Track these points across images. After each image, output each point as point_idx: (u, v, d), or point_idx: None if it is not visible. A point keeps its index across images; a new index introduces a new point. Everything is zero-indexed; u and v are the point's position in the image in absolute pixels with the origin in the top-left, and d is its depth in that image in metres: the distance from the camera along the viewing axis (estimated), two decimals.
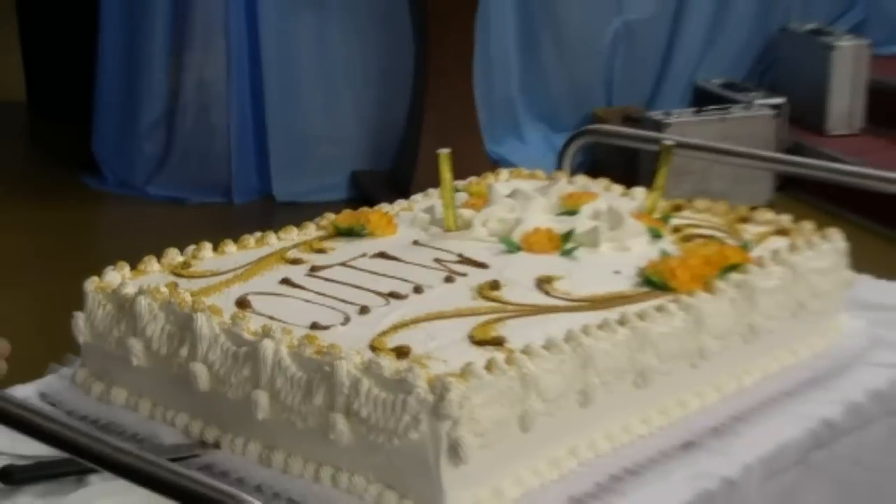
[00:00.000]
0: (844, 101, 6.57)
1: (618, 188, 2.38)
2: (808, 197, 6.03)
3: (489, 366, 1.63)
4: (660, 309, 1.86)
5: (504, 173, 2.46)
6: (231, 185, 6.04)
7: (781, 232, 2.15)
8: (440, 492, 1.58)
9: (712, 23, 6.79)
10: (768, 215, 2.21)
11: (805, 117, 6.55)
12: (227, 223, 4.81)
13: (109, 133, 6.15)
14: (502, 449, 1.64)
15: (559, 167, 2.67)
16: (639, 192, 2.31)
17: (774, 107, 6.33)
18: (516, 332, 1.77)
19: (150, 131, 6.10)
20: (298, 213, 2.27)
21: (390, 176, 5.88)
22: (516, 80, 6.44)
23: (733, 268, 1.97)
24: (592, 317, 1.82)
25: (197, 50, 6.06)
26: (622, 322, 1.80)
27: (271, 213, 5.61)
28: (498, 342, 1.74)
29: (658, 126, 5.99)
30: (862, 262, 2.33)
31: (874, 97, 6.62)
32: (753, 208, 2.22)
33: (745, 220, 2.21)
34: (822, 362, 2.07)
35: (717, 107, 6.32)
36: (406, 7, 5.76)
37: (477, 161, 4.84)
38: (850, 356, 2.11)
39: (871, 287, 2.36)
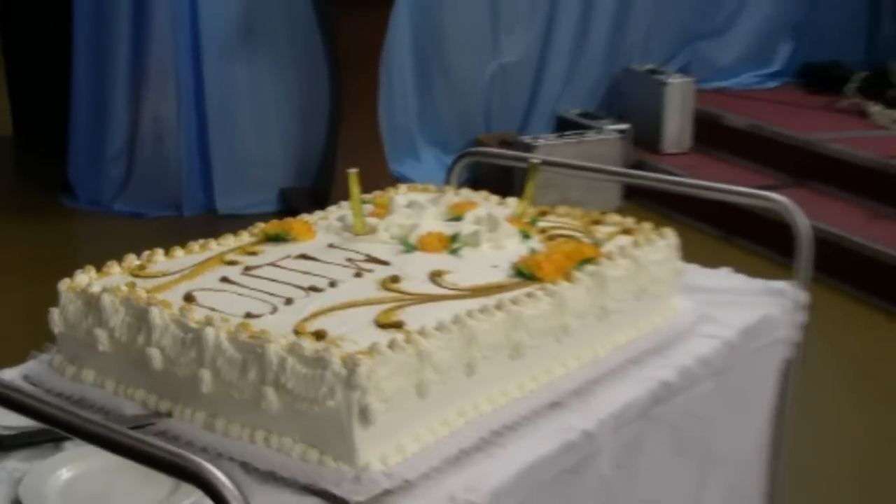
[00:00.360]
0: (675, 127, 6.64)
1: (495, 198, 2.38)
2: (649, 203, 6.08)
3: (391, 345, 1.63)
4: (529, 295, 1.86)
5: (403, 188, 2.45)
6: (181, 201, 6.03)
7: (626, 231, 2.16)
8: (353, 449, 1.58)
9: (570, 65, 6.83)
10: (616, 218, 2.23)
11: (645, 139, 6.61)
12: (178, 233, 4.75)
13: (82, 160, 6.10)
14: (403, 412, 1.64)
15: (447, 182, 2.67)
16: (512, 201, 2.31)
17: (621, 131, 6.39)
18: (413, 317, 1.77)
19: (114, 158, 6.06)
20: (237, 223, 2.26)
21: (312, 191, 5.87)
22: (413, 112, 6.44)
23: (588, 261, 1.98)
24: (475, 303, 1.82)
25: (152, 91, 6.03)
26: (499, 307, 1.80)
27: (215, 223, 5.56)
28: (398, 325, 1.74)
29: (528, 148, 6.02)
30: (690, 255, 2.36)
31: (698, 123, 6.71)
32: (603, 213, 2.24)
33: (597, 222, 2.22)
34: (659, 335, 2.08)
35: (575, 132, 6.36)
36: (323, 53, 5.76)
37: (382, 178, 4.82)
38: (682, 330, 2.13)
39: (698, 274, 2.38)
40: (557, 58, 6.78)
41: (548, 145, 6.14)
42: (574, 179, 5.84)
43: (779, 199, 2.42)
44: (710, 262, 2.51)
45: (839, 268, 5.20)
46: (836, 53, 7.40)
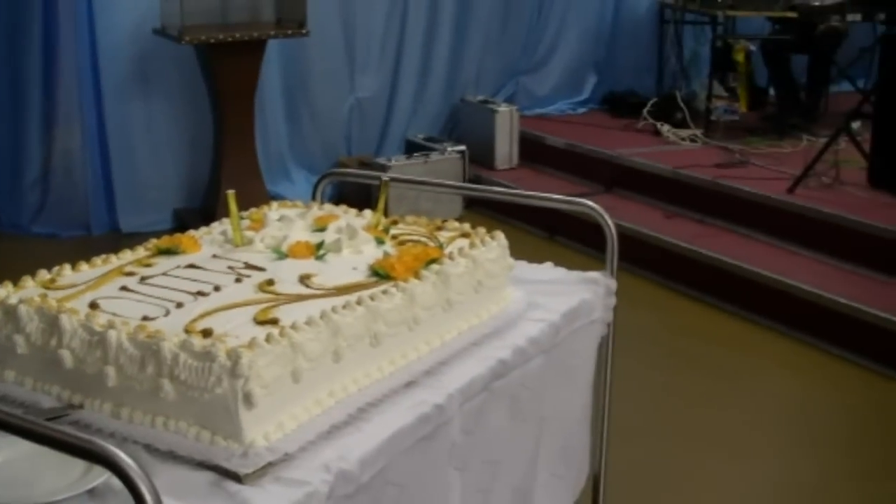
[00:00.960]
0: (505, 147, 6.67)
1: (353, 211, 2.35)
2: (485, 212, 6.10)
3: (268, 338, 1.61)
4: (385, 292, 1.85)
5: (275, 205, 2.43)
6: (90, 221, 5.87)
7: (464, 235, 2.16)
8: (240, 428, 1.56)
9: (415, 98, 6.82)
10: (455, 224, 2.23)
11: (480, 158, 6.62)
12: (87, 250, 4.62)
13: (3, 188, 5.91)
14: (281, 395, 1.62)
15: (314, 199, 2.64)
16: (368, 213, 2.29)
17: (460, 152, 6.39)
18: (287, 314, 1.76)
19: (31, 186, 5.88)
20: (137, 240, 2.21)
21: (201, 210, 5.76)
22: (285, 141, 6.37)
23: (433, 261, 1.98)
24: (339, 300, 1.81)
25: (61, 127, 5.88)
26: (359, 302, 1.79)
27: (119, 241, 5.41)
28: (274, 322, 1.72)
29: (383, 168, 5.99)
30: (521, 253, 2.38)
31: (524, 143, 6.74)
32: (445, 220, 2.23)
33: (440, 228, 2.21)
34: (496, 321, 2.09)
35: (421, 153, 6.35)
36: (206, 93, 5.68)
37: (259, 198, 4.71)
38: (515, 316, 2.14)
39: (526, 269, 2.40)
40: (404, 92, 6.77)
41: (399, 165, 6.12)
42: (422, 193, 5.84)
43: (590, 205, 2.46)
44: (537, 258, 2.54)
45: (642, 258, 5.30)
46: (633, 84, 7.56)
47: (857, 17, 6.78)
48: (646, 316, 4.89)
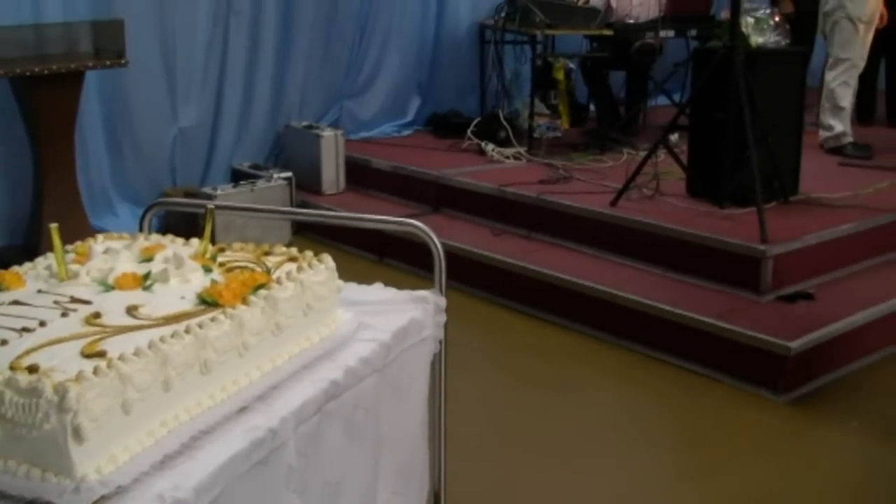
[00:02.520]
0: (332, 172, 6.72)
1: (180, 240, 2.34)
2: (315, 237, 6.16)
3: (96, 371, 1.60)
4: (213, 319, 1.86)
5: (100, 237, 2.39)
6: None
7: (291, 259, 2.18)
8: (71, 464, 1.55)
9: (239, 125, 6.80)
10: (282, 249, 2.25)
11: (307, 184, 6.65)
12: None
13: None
14: (112, 428, 1.62)
15: (140, 230, 2.63)
16: (195, 241, 2.28)
17: (286, 178, 6.41)
18: (115, 346, 1.74)
19: None
20: None
21: (23, 247, 5.59)
22: (107, 173, 6.26)
23: (261, 286, 2.00)
24: (168, 330, 1.81)
25: None
26: (188, 331, 1.80)
27: None
28: (102, 354, 1.71)
29: (209, 197, 5.97)
30: (352, 276, 2.43)
31: (350, 167, 6.81)
32: (272, 246, 2.26)
33: (267, 253, 2.23)
34: (327, 343, 2.11)
35: (248, 181, 6.33)
36: (23, 127, 5.54)
37: (83, 232, 4.60)
38: (346, 337, 2.17)
39: (356, 290, 2.43)
40: (228, 120, 6.74)
41: (225, 194, 6.10)
42: (250, 221, 5.84)
43: (415, 224, 2.52)
44: (368, 281, 2.57)
45: (473, 277, 5.42)
46: (456, 104, 7.72)
47: (671, 33, 7.10)
48: (480, 333, 5.00)
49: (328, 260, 2.17)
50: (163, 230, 2.63)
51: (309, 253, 2.18)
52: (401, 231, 2.68)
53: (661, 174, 5.66)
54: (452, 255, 5.62)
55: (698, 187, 5.58)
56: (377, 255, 5.93)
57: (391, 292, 2.46)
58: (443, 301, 2.47)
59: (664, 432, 4.11)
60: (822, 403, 4.30)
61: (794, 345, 4.29)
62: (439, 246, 2.47)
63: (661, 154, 5.66)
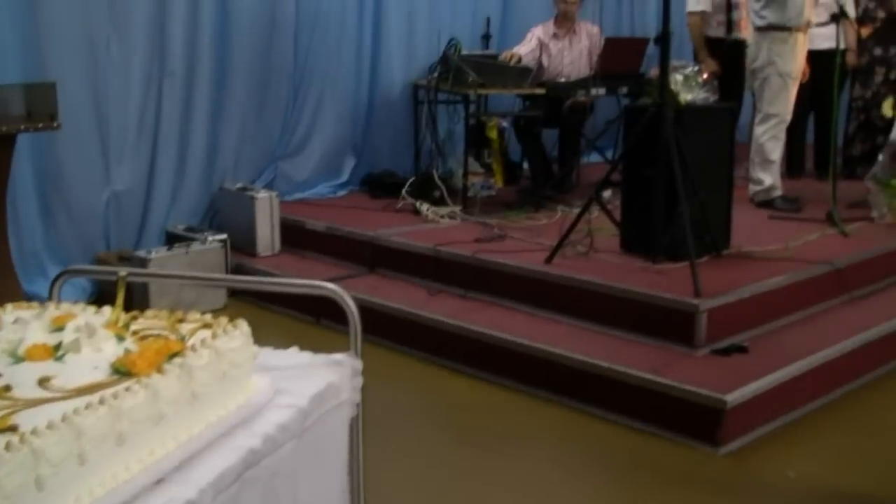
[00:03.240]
0: (267, 233, 6.70)
1: (91, 308, 2.30)
2: (251, 299, 6.11)
3: (7, 446, 1.56)
4: (128, 389, 1.82)
5: (9, 307, 2.33)
6: None
7: (206, 326, 2.16)
8: None
9: (173, 188, 6.77)
10: (197, 315, 2.22)
11: (243, 245, 6.63)
12: None
13: None
14: None
15: (49, 298, 2.60)
16: (107, 309, 2.25)
17: (221, 241, 6.38)
18: (27, 420, 1.70)
19: None
20: None
21: None
22: (40, 238, 6.18)
23: (175, 354, 1.97)
24: (81, 401, 1.76)
25: None
26: (101, 402, 1.76)
27: None
28: (13, 429, 1.66)
29: (143, 262, 5.93)
30: (287, 338, 2.43)
31: (286, 229, 6.80)
32: (186, 312, 2.23)
33: (181, 321, 2.21)
34: (244, 410, 2.09)
35: (183, 244, 6.29)
36: None
37: (14, 296, 4.59)
38: (262, 403, 2.14)
39: (272, 355, 2.41)
40: (162, 182, 6.71)
41: (160, 257, 6.05)
42: (186, 284, 5.80)
43: (328, 286, 2.52)
44: (304, 342, 2.56)
45: (409, 337, 5.42)
46: (391, 164, 7.77)
47: (602, 91, 7.20)
48: (417, 393, 4.98)
49: (243, 326, 2.16)
50: (97, 296, 2.60)
51: (223, 319, 2.17)
52: (314, 293, 2.66)
53: (594, 231, 5.71)
54: (388, 316, 5.67)
55: (632, 243, 5.64)
56: (314, 317, 5.89)
57: (307, 356, 2.45)
58: (359, 364, 2.46)
59: (603, 489, 4.10)
60: (760, 455, 4.32)
61: (730, 398, 4.31)
62: (353, 307, 2.47)
63: (595, 211, 5.71)
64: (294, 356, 2.45)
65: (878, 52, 8.10)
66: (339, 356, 2.44)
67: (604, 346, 4.93)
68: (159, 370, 1.92)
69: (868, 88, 8.15)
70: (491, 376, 5.12)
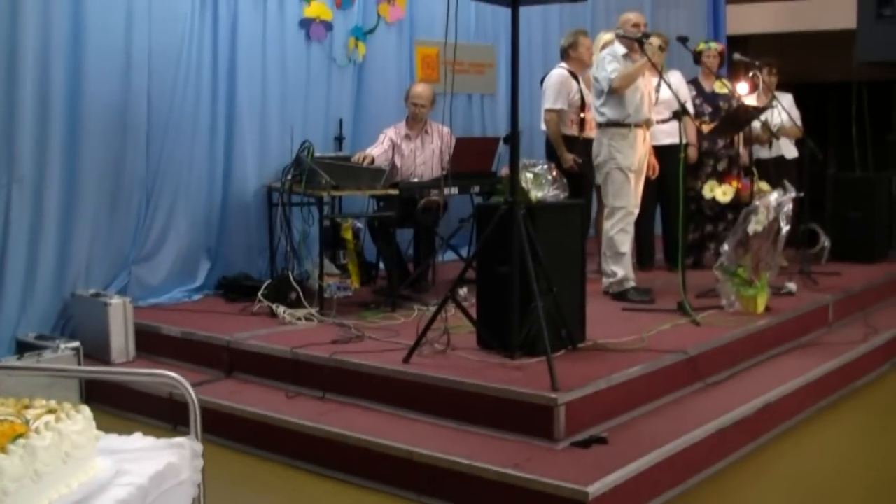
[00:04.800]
0: (121, 340, 6.57)
1: None
2: (106, 406, 5.97)
3: None
4: None
5: None
6: None
7: (51, 411, 2.17)
8: None
9: (23, 294, 6.62)
10: (42, 402, 2.22)
11: (97, 353, 6.50)
12: None
13: None
14: None
15: None
16: None
17: (74, 348, 6.24)
18: None
19: None
20: None
21: None
22: None
23: (20, 436, 1.97)
24: None
25: None
26: None
27: None
28: None
29: None
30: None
31: (140, 335, 6.69)
32: (33, 399, 2.22)
33: (27, 406, 2.20)
34: (86, 488, 2.09)
35: (34, 352, 6.14)
36: None
37: None
38: (104, 482, 2.15)
39: (116, 440, 2.42)
40: (12, 289, 6.55)
41: (9, 366, 5.87)
42: (38, 391, 5.59)
43: (169, 375, 2.54)
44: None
45: (267, 441, 5.36)
46: (246, 267, 7.76)
47: (455, 190, 7.36)
48: (277, 499, 4.92)
49: (85, 410, 2.17)
50: None
51: (67, 405, 2.18)
52: (155, 382, 2.71)
53: (451, 329, 5.77)
54: (246, 421, 5.62)
55: (488, 340, 5.72)
56: (171, 424, 5.77)
57: (150, 440, 2.46)
58: (199, 446, 2.49)
59: None
60: None
61: (592, 489, 4.36)
62: (193, 393, 2.49)
63: (451, 309, 5.77)
64: (137, 441, 2.46)
65: (706, 145, 8.53)
66: (179, 439, 2.46)
67: (464, 444, 4.94)
68: (3, 450, 1.91)
69: (698, 179, 8.55)
70: (353, 478, 5.08)
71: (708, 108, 8.62)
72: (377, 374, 5.56)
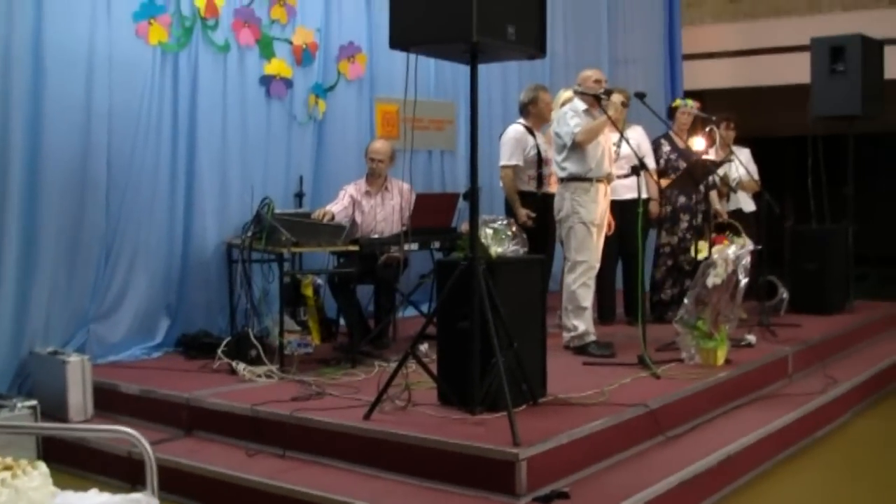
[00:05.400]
0: (79, 398, 6.49)
1: None
2: (64, 467, 5.86)
3: None
4: None
5: None
6: None
7: (7, 468, 2.15)
8: None
9: None
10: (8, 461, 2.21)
11: (54, 411, 6.41)
12: None
13: None
14: None
15: None
16: None
17: (31, 407, 6.16)
18: None
19: None
20: None
21: None
22: None
23: None
24: None
25: None
26: None
27: None
28: None
29: None
30: None
31: (99, 393, 6.61)
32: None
33: None
34: None
35: None
36: None
37: None
38: None
39: (73, 497, 2.42)
40: None
41: None
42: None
43: (124, 430, 2.54)
44: None
45: (227, 500, 5.32)
46: (206, 325, 7.73)
47: (415, 246, 7.40)
48: None
49: (42, 467, 2.16)
50: None
51: (24, 461, 2.17)
52: (109, 437, 2.70)
53: (412, 385, 5.77)
54: (206, 479, 5.58)
55: (449, 395, 5.72)
56: (129, 483, 5.71)
57: (106, 496, 2.45)
58: (155, 501, 2.48)
59: None
60: None
61: None
62: (149, 448, 2.49)
63: (412, 364, 5.77)
64: (93, 497, 2.45)
65: (681, 200, 8.64)
66: (136, 495, 2.46)
67: (426, 500, 4.93)
68: None
69: (674, 235, 8.65)
70: None
71: (683, 164, 8.71)
72: (338, 430, 5.54)
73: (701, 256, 7.47)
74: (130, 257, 7.45)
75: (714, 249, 7.38)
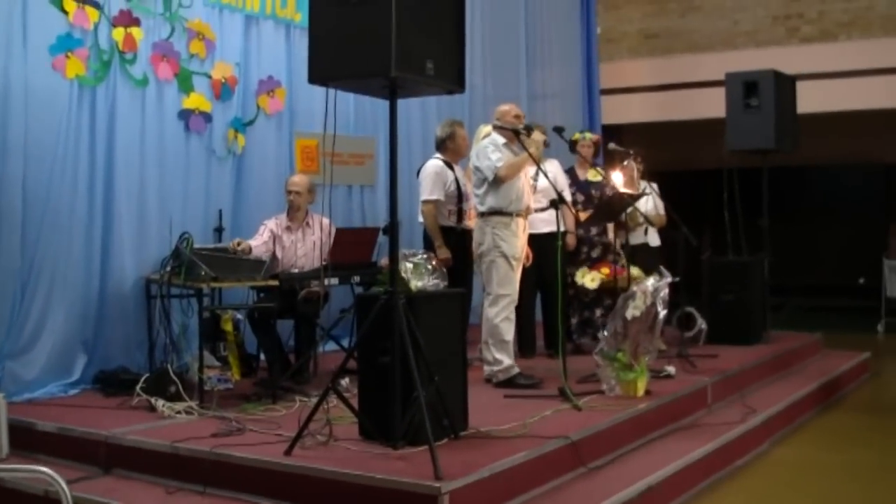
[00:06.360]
0: None
1: None
2: None
3: None
4: None
5: None
6: None
7: None
8: None
9: None
10: None
11: None
12: None
13: None
14: None
15: None
16: None
17: None
18: None
19: None
20: None
21: None
22: None
23: None
24: None
25: None
26: None
27: None
28: None
29: None
30: None
31: (15, 432, 6.45)
32: None
33: None
34: None
35: None
36: None
37: None
38: None
39: None
40: None
41: None
42: None
43: (44, 471, 2.54)
44: None
45: None
46: (124, 361, 7.65)
47: (335, 281, 7.42)
48: None
49: None
50: None
51: None
52: (30, 477, 2.68)
53: (333, 419, 5.77)
54: None
55: (371, 430, 5.72)
56: None
57: None
58: None
59: None
60: None
61: None
62: (66, 488, 2.50)
63: (333, 399, 5.77)
64: None
65: (580, 232, 8.80)
66: None
67: None
68: None
69: (574, 265, 8.78)
70: None
71: (581, 197, 8.93)
72: (259, 466, 5.51)
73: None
74: (46, 293, 7.36)
75: (633, 282, 7.52)
